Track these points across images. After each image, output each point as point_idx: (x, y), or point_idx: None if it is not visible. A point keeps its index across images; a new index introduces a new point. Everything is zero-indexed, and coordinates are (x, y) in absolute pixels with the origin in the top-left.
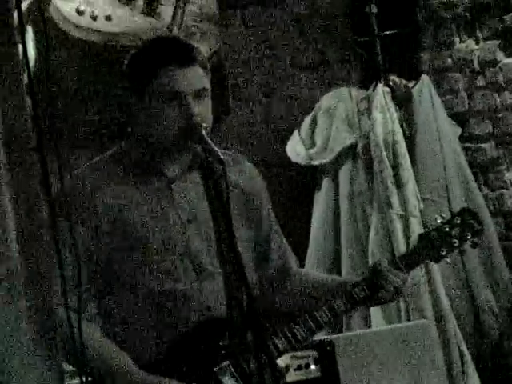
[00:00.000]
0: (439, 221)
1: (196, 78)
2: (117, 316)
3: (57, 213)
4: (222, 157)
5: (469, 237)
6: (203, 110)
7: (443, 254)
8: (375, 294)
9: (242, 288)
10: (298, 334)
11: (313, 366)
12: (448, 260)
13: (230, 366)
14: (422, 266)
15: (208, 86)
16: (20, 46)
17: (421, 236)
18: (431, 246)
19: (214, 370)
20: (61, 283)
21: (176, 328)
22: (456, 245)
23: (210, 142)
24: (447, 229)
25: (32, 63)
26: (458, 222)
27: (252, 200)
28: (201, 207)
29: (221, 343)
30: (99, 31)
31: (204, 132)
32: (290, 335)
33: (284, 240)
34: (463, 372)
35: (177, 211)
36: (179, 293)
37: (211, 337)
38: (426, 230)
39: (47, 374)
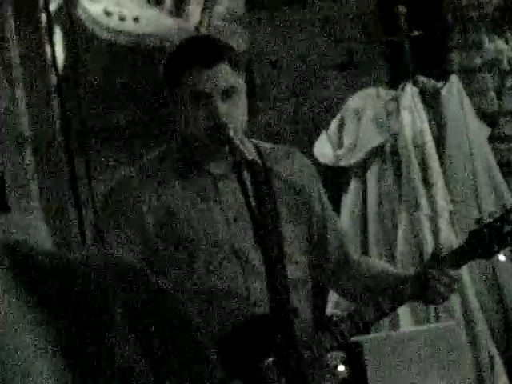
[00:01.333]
0: (491, 217)
1: (222, 76)
2: None
3: (103, 215)
4: (249, 158)
5: None
6: (232, 110)
7: (495, 250)
8: (424, 293)
9: (285, 286)
10: (344, 331)
11: (341, 367)
12: (501, 257)
13: (275, 362)
14: None
15: (238, 84)
16: (48, 48)
17: (471, 233)
18: (482, 242)
19: (260, 365)
20: None
21: (223, 325)
22: (508, 241)
23: (237, 142)
24: (499, 225)
25: (60, 64)
26: (511, 218)
27: (302, 193)
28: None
29: (266, 339)
30: (127, 32)
31: (231, 132)
32: (336, 332)
33: (342, 228)
34: (492, 373)
35: (223, 210)
36: (226, 290)
37: (257, 333)
38: (478, 226)
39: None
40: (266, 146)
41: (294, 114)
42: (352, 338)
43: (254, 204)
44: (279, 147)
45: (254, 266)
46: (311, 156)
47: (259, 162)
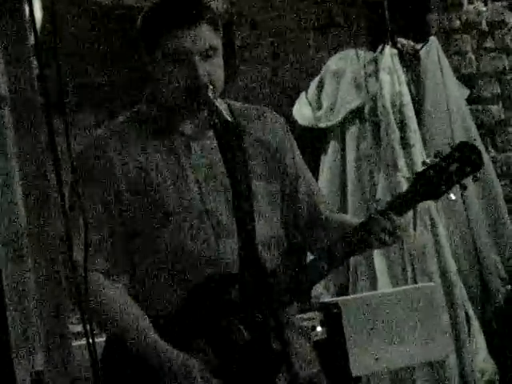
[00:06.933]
0: (437, 158)
1: (203, 37)
2: (140, 274)
3: (73, 176)
4: (228, 118)
5: (468, 171)
6: (212, 70)
7: (443, 190)
8: (369, 237)
9: (254, 244)
10: (301, 282)
11: (319, 328)
12: (452, 196)
13: (242, 320)
14: (429, 228)
15: (217, 44)
16: (26, 7)
17: (418, 175)
18: (429, 183)
19: (226, 322)
20: (65, 242)
21: (195, 286)
22: (455, 179)
23: (215, 103)
24: (444, 164)
25: (39, 24)
26: (457, 156)
27: (275, 152)
28: (218, 165)
29: (232, 297)
30: None
31: (210, 93)
32: (292, 285)
33: (314, 186)
34: (469, 334)
35: (194, 169)
36: (198, 251)
37: (222, 291)
38: (423, 168)
39: (53, 332)
40: (237, 105)
41: (274, 75)
42: (331, 299)
43: (227, 163)
44: (251, 106)
45: (225, 226)
46: (290, 117)
47: (234, 122)
